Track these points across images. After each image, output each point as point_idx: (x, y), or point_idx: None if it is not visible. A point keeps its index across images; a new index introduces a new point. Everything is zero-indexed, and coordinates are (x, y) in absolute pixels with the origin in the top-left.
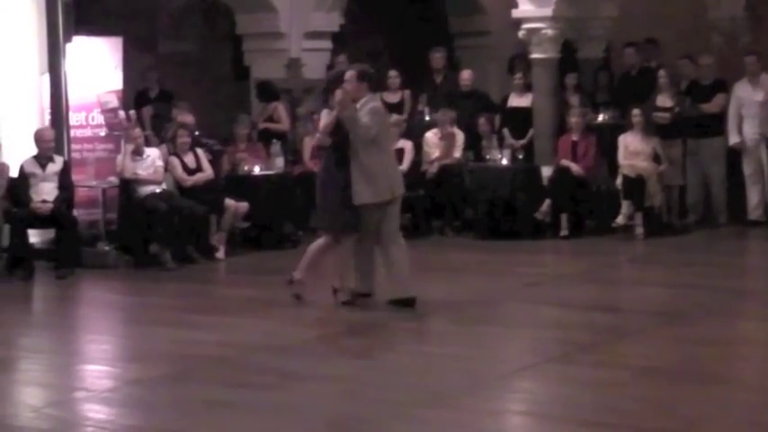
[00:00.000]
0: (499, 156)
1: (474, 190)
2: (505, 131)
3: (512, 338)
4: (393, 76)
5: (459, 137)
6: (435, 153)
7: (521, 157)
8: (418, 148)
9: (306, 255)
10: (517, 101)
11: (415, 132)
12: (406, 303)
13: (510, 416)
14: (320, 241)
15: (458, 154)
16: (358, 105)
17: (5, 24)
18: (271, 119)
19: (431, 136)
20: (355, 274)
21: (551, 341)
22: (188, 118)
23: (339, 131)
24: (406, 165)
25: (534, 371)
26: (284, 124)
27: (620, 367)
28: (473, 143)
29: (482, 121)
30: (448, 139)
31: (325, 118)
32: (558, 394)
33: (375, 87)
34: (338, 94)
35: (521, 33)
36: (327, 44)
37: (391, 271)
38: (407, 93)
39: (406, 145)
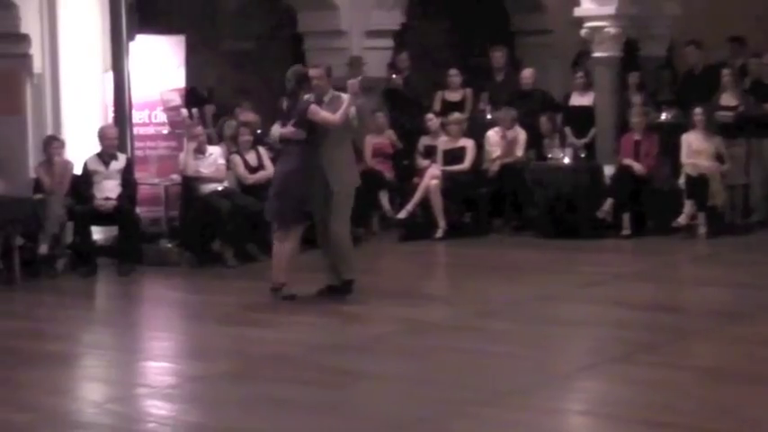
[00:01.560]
0: (561, 154)
1: (535, 189)
2: (567, 130)
3: (572, 338)
4: (454, 74)
5: (521, 136)
6: (497, 152)
7: (582, 155)
8: (479, 146)
9: (279, 259)
10: (579, 99)
11: (476, 131)
12: (348, 285)
13: (571, 415)
14: (287, 243)
15: (519, 153)
16: (326, 99)
17: (70, 23)
18: None
19: (492, 135)
20: (327, 267)
21: (612, 341)
22: (250, 116)
23: (311, 124)
24: (467, 163)
25: (595, 370)
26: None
27: (681, 368)
28: (535, 142)
29: (544, 119)
30: (509, 138)
31: (316, 113)
32: (619, 394)
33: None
34: (352, 82)
35: (583, 32)
36: (389, 42)
37: (336, 258)
38: (468, 91)
39: (468, 143)
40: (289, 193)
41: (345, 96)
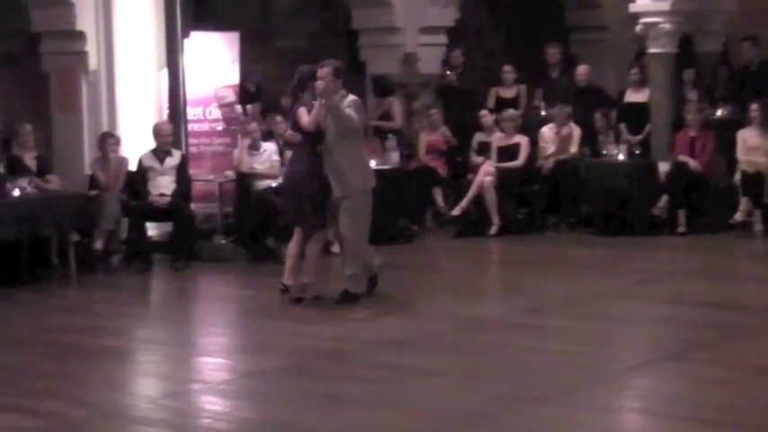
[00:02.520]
0: (616, 151)
1: (590, 185)
2: (622, 127)
3: (627, 335)
4: (508, 71)
5: (576, 132)
6: (551, 148)
7: (637, 152)
8: (534, 143)
9: (294, 261)
10: (634, 96)
11: (530, 128)
12: (355, 298)
13: (625, 413)
14: (312, 242)
15: (574, 149)
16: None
17: (125, 21)
18: (386, 114)
19: (547, 131)
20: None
21: (667, 338)
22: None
23: (300, 129)
24: (521, 160)
25: (650, 368)
26: (398, 121)
27: (736, 366)
28: (589, 138)
29: (598, 116)
30: (564, 135)
31: (304, 115)
32: (674, 392)
33: (346, 83)
34: (319, 84)
35: (638, 28)
36: (443, 39)
37: (349, 264)
38: (523, 88)
39: (522, 140)
40: (300, 196)
41: (351, 98)
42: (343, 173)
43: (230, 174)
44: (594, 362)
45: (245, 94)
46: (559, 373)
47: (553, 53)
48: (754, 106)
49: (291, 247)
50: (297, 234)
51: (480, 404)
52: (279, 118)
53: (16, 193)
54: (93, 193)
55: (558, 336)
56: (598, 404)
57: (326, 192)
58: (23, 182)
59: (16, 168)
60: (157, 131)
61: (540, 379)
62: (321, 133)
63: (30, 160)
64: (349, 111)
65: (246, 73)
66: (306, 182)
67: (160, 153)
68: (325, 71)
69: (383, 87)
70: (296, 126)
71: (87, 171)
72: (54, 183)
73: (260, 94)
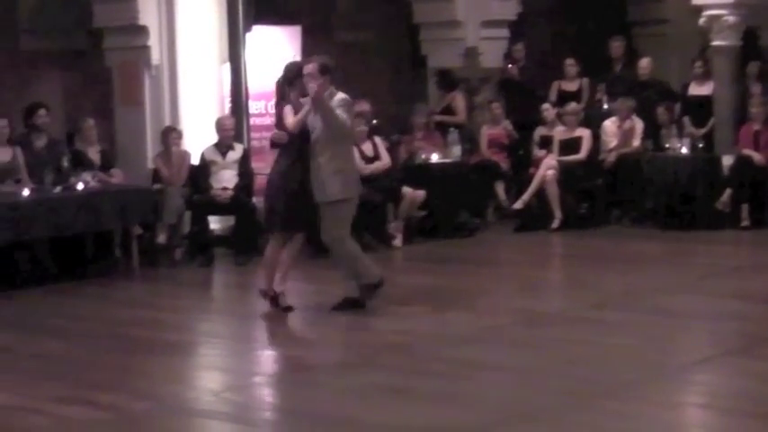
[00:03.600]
0: (679, 145)
1: (653, 179)
2: (685, 120)
3: (690, 330)
4: (570, 64)
5: (638, 126)
6: (613, 142)
7: (701, 146)
8: (596, 137)
9: (271, 268)
10: (697, 89)
11: (593, 121)
12: (370, 290)
13: (689, 408)
14: (285, 249)
15: (636, 143)
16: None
17: (188, 15)
18: (448, 108)
19: (609, 125)
20: (358, 271)
21: (730, 333)
22: (365, 107)
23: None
24: (583, 154)
25: (713, 363)
26: (460, 115)
27: None
28: (652, 132)
29: (661, 109)
30: (626, 128)
31: (289, 114)
32: (738, 387)
33: (335, 80)
34: (312, 87)
35: (701, 21)
36: (505, 33)
37: (343, 269)
38: (585, 81)
39: (584, 134)
40: (280, 198)
41: (340, 96)
42: (324, 178)
43: None
44: (657, 357)
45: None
46: (622, 367)
47: (616, 47)
48: None
49: (271, 254)
50: (275, 239)
51: (543, 399)
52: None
53: (80, 186)
54: (156, 187)
55: (621, 331)
56: (661, 399)
57: (305, 194)
58: (87, 176)
59: (80, 162)
60: (220, 126)
61: (602, 374)
62: (307, 134)
63: (93, 154)
64: (340, 112)
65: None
66: (284, 183)
67: (222, 147)
68: (310, 68)
69: (447, 81)
70: (281, 125)
71: (150, 165)
72: (117, 177)
73: None
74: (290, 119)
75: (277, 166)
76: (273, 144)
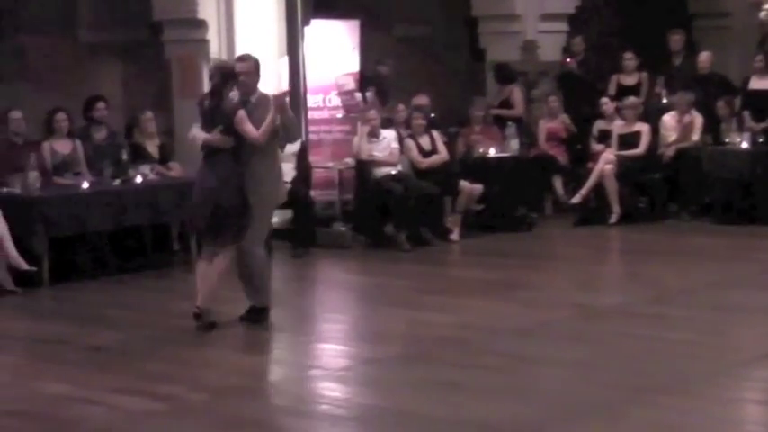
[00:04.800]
0: (738, 139)
1: (712, 173)
2: (745, 114)
3: (750, 325)
4: (629, 58)
5: (698, 120)
6: (672, 136)
7: (761, 140)
8: (655, 131)
9: (204, 282)
10: (758, 83)
11: (652, 115)
12: (261, 313)
13: (747, 405)
14: (214, 263)
15: (696, 137)
16: (253, 100)
17: (246, 9)
18: (506, 101)
19: (668, 119)
20: (249, 289)
21: None
22: (423, 100)
23: (236, 132)
24: (642, 148)
25: None
26: (518, 108)
27: None
28: (711, 126)
29: (721, 103)
30: (685, 123)
31: (245, 120)
32: None
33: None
34: (278, 96)
35: (762, 14)
36: (563, 26)
37: (252, 280)
38: (644, 75)
39: (643, 128)
40: (217, 207)
41: (261, 94)
42: (262, 180)
43: (350, 161)
44: (716, 352)
45: (372, 81)
46: (681, 363)
47: (676, 40)
48: None
49: (203, 266)
50: (207, 252)
51: (601, 394)
52: (401, 106)
53: (139, 179)
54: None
55: (680, 325)
56: (720, 395)
57: (244, 203)
58: (146, 168)
59: (139, 155)
60: None
61: (661, 369)
62: (241, 137)
63: (152, 147)
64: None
65: (369, 61)
66: (231, 191)
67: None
68: (246, 66)
69: (504, 74)
70: (229, 129)
71: None
72: (176, 170)
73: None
74: (246, 126)
75: (215, 173)
76: (207, 147)
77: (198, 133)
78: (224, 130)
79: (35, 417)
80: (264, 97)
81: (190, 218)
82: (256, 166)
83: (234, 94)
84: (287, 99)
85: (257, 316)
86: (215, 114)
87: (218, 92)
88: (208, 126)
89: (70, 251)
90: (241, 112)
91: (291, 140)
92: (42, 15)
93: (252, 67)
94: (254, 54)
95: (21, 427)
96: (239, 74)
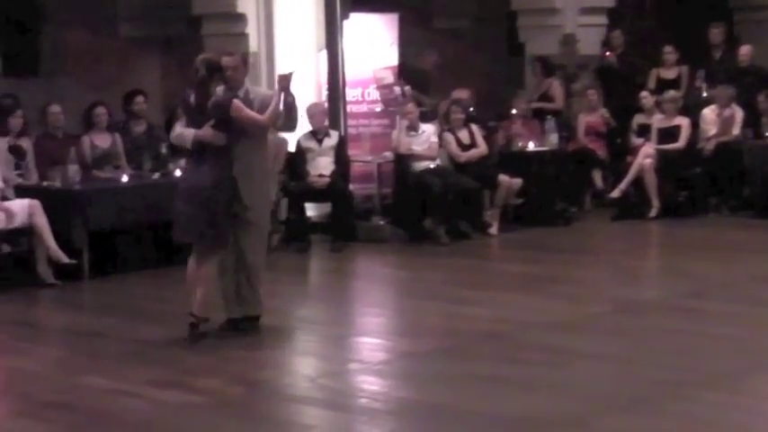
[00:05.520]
0: None
1: (752, 168)
2: None
3: None
4: (669, 51)
5: (738, 114)
6: (712, 130)
7: None
8: (695, 125)
9: (198, 288)
10: None
11: (691, 109)
12: (253, 320)
13: None
14: (203, 268)
15: (736, 131)
16: (240, 94)
17: (285, 3)
18: (545, 95)
19: (708, 113)
20: (230, 297)
21: None
22: (462, 94)
23: (229, 127)
24: (682, 142)
25: None
26: (558, 102)
27: None
28: (752, 120)
29: (762, 97)
30: (726, 117)
31: (243, 109)
32: None
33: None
34: (284, 76)
35: None
36: (603, 19)
37: (250, 286)
38: (684, 69)
39: (683, 122)
40: (210, 208)
41: (262, 91)
42: (257, 179)
43: (388, 155)
44: (757, 347)
45: (413, 74)
46: (721, 357)
47: (716, 33)
48: None
49: (194, 271)
50: (197, 253)
51: (640, 388)
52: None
53: (178, 173)
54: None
55: (720, 320)
56: (760, 390)
57: (233, 204)
58: (184, 162)
59: (178, 149)
60: (308, 112)
61: (701, 364)
62: (240, 131)
63: None
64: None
65: (411, 55)
66: (224, 190)
67: (318, 134)
68: (233, 60)
69: (544, 68)
70: (222, 123)
71: None
72: None
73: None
74: (247, 112)
75: (208, 171)
76: (198, 144)
77: (185, 131)
78: (216, 124)
79: (75, 409)
80: (254, 91)
81: (182, 225)
82: (252, 161)
83: (220, 89)
84: (290, 81)
85: (248, 324)
86: (203, 109)
87: (204, 85)
88: (194, 122)
89: (110, 244)
90: (237, 102)
91: (292, 127)
92: (82, 10)
93: (239, 60)
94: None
95: (61, 419)
96: (226, 68)
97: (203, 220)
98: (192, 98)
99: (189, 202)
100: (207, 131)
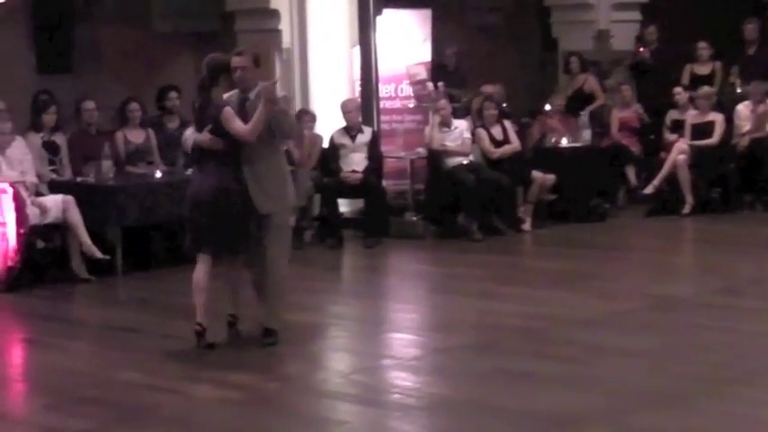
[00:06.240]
0: None
1: None
2: None
3: None
4: (703, 47)
5: None
6: (747, 126)
7: None
8: (729, 121)
9: (199, 298)
10: None
11: (725, 105)
12: (272, 334)
13: None
14: (202, 275)
15: None
16: (251, 96)
17: None
18: (579, 90)
19: (742, 109)
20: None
21: None
22: (495, 90)
23: (227, 132)
24: (716, 138)
25: None
26: (599, 97)
27: None
28: None
29: None
30: (760, 112)
31: (234, 119)
32: None
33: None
34: (266, 86)
35: None
36: (636, 15)
37: (268, 298)
38: (718, 64)
39: (717, 118)
40: (212, 217)
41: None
42: (272, 185)
43: (421, 151)
44: None
45: (446, 70)
46: (754, 354)
47: (750, 29)
48: None
49: (201, 280)
50: (205, 263)
51: (674, 385)
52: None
53: None
54: (287, 169)
55: (754, 317)
56: None
57: (246, 211)
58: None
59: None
60: (342, 109)
61: (735, 360)
62: (236, 139)
63: None
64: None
65: (441, 50)
66: (233, 197)
67: (351, 130)
68: (242, 60)
69: (581, 63)
70: (218, 129)
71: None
72: None
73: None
74: (235, 123)
75: (212, 179)
76: (198, 150)
77: (190, 135)
78: (213, 130)
79: (109, 404)
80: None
81: (192, 234)
82: (260, 167)
83: (232, 93)
84: (276, 91)
85: (267, 338)
86: (204, 114)
87: (205, 88)
88: (199, 127)
89: (143, 240)
90: (227, 109)
91: (285, 136)
92: (116, 6)
93: (249, 60)
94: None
95: (95, 413)
96: (235, 69)
97: (206, 230)
98: (197, 103)
99: (192, 211)
100: (205, 137)
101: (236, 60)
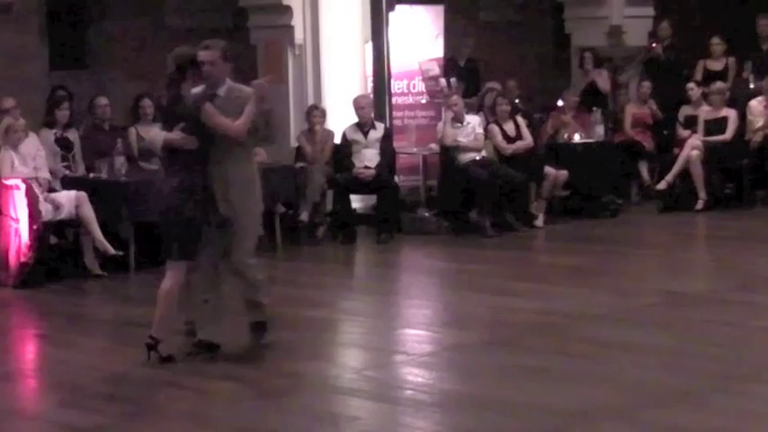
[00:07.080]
0: None
1: None
2: None
3: None
4: (716, 42)
5: None
6: (760, 122)
7: None
8: (742, 116)
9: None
10: None
11: (739, 101)
12: (262, 327)
13: None
14: (170, 283)
15: None
16: (221, 93)
17: None
18: (591, 86)
19: (755, 104)
20: (198, 314)
21: None
22: (509, 85)
23: (202, 130)
24: (729, 133)
25: None
26: (606, 90)
27: None
28: None
29: None
30: None
31: (216, 115)
32: None
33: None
34: (260, 84)
35: None
36: (650, 11)
37: (250, 294)
38: (732, 60)
39: (730, 114)
40: (178, 219)
41: (248, 90)
42: (242, 188)
43: (434, 147)
44: None
45: (455, 68)
46: None
47: (764, 24)
48: None
49: (162, 288)
50: (180, 270)
51: (688, 381)
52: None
53: None
54: (300, 165)
55: (767, 313)
56: None
57: (209, 211)
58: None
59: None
60: (355, 105)
61: (750, 357)
62: (222, 136)
63: None
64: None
65: (455, 47)
66: (190, 198)
67: (364, 126)
68: (210, 54)
69: (595, 59)
70: (194, 127)
71: (293, 143)
72: (260, 155)
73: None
74: (219, 119)
75: (173, 180)
76: (168, 149)
77: (158, 134)
78: (186, 128)
79: (122, 399)
80: (238, 89)
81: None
82: (230, 168)
83: (199, 89)
84: (267, 90)
85: (256, 331)
86: (173, 110)
87: (173, 84)
88: (168, 125)
89: (156, 236)
90: (208, 105)
91: (271, 139)
92: (129, 2)
93: (217, 55)
94: (339, 38)
95: (107, 409)
96: (202, 63)
97: (165, 232)
98: (163, 99)
99: (160, 214)
100: (176, 135)
101: (203, 54)
